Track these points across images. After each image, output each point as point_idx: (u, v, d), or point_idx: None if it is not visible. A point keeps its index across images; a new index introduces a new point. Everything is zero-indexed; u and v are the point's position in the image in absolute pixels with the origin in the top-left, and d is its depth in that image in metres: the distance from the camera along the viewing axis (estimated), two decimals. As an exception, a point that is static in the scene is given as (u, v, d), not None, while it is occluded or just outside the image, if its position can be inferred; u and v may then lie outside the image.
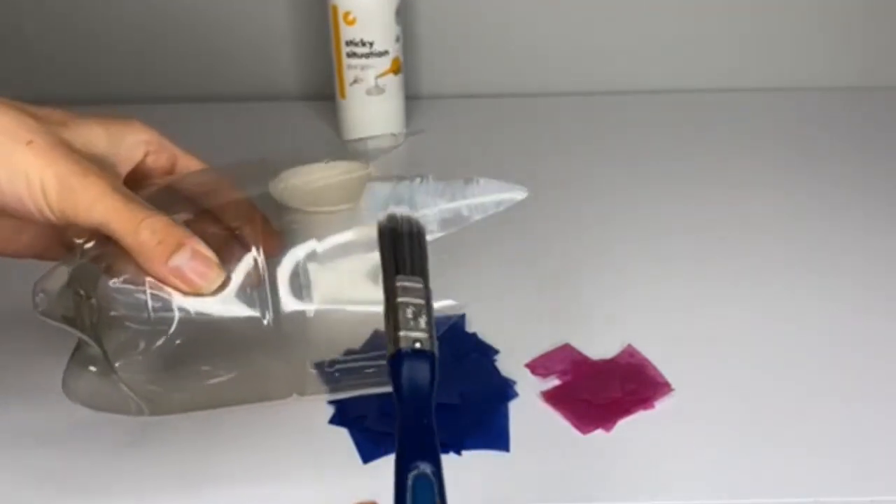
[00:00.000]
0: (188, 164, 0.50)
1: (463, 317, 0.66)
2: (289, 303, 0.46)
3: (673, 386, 0.60)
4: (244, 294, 0.43)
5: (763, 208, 0.82)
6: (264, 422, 0.58)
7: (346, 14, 0.88)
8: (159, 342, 0.44)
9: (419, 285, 0.45)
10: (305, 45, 0.98)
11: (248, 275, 0.44)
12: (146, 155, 0.46)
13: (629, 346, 0.63)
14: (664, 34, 1.02)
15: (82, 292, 0.43)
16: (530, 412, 0.59)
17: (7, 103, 0.41)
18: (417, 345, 0.43)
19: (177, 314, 0.42)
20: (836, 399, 0.59)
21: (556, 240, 0.76)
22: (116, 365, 0.45)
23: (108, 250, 0.42)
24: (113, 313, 0.43)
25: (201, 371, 0.48)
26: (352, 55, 0.89)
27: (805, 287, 0.71)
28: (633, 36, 1.02)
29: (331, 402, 0.59)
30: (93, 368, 0.46)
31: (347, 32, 0.89)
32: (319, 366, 0.51)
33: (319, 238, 0.48)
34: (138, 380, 0.46)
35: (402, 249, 0.46)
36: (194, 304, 0.43)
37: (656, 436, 0.57)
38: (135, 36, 1.01)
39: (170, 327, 0.43)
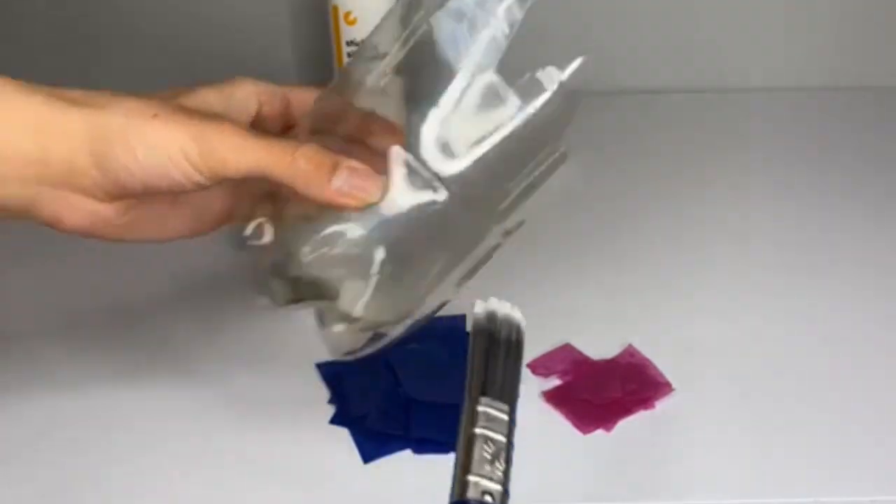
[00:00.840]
0: (301, 97, 0.50)
1: (464, 317, 0.66)
2: (447, 166, 0.45)
3: (674, 386, 0.60)
4: (410, 186, 0.44)
5: (764, 209, 0.82)
6: (265, 421, 0.58)
7: (347, 14, 0.88)
8: (374, 269, 0.45)
9: (505, 416, 0.39)
10: (306, 46, 0.98)
11: (402, 168, 0.44)
12: (260, 105, 0.47)
13: (630, 345, 0.63)
14: (667, 35, 1.03)
15: (287, 275, 0.46)
16: (531, 412, 0.58)
17: (121, 92, 0.43)
18: (488, 498, 0.38)
19: (372, 231, 0.44)
20: (837, 399, 0.59)
21: (556, 239, 0.76)
22: (354, 312, 0.47)
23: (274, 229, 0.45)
24: (322, 274, 0.46)
25: (417, 273, 0.48)
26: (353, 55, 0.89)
27: (805, 287, 0.71)
28: (634, 36, 1.02)
29: (331, 402, 0.59)
30: (340, 327, 0.49)
31: (348, 33, 0.88)
32: None
33: (431, 102, 0.47)
34: (374, 314, 0.48)
35: (495, 363, 0.40)
36: (377, 217, 0.44)
37: (657, 436, 0.57)
38: (134, 36, 1.01)
39: (372, 250, 0.44)
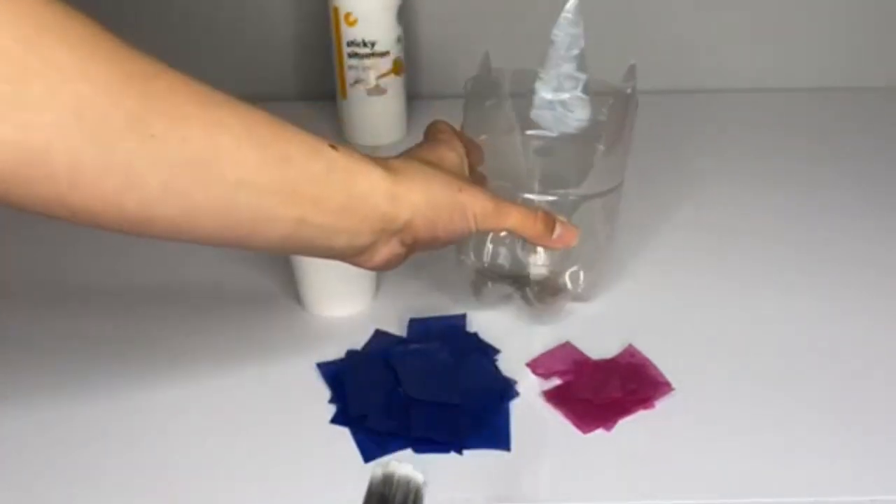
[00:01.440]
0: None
1: (464, 316, 0.67)
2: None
3: (674, 386, 0.60)
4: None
5: (765, 209, 0.82)
6: (266, 421, 0.58)
7: (348, 15, 0.88)
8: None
9: None
10: (307, 46, 0.98)
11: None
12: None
13: (630, 345, 0.63)
14: (665, 35, 1.03)
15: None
16: (531, 411, 0.59)
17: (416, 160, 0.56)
18: None
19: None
20: (837, 399, 0.59)
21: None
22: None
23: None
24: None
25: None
26: (353, 56, 0.89)
27: (806, 288, 0.71)
28: (635, 36, 1.02)
29: (332, 402, 0.59)
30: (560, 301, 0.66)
31: (349, 33, 0.89)
32: None
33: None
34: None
35: None
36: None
37: (657, 435, 0.57)
38: (134, 37, 1.01)
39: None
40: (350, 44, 0.89)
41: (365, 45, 0.89)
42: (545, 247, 0.61)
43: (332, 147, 0.49)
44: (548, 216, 0.59)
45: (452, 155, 0.58)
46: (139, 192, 0.41)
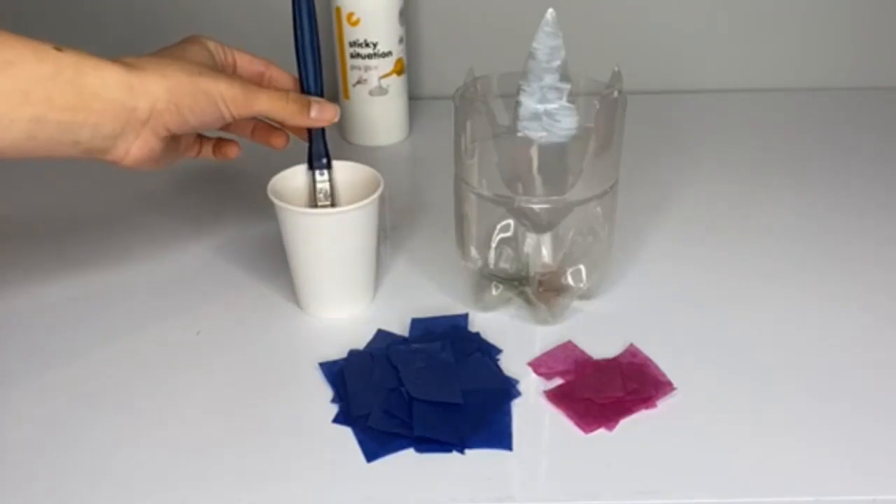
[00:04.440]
0: (275, 73, 0.69)
1: (466, 316, 0.67)
2: None
3: (675, 385, 0.60)
4: None
5: (766, 209, 0.82)
6: (268, 421, 0.58)
7: (350, 15, 0.88)
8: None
9: None
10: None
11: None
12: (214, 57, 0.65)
13: (631, 345, 0.64)
14: (667, 35, 1.03)
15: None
16: (533, 411, 0.59)
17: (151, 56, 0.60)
18: None
19: None
20: (838, 399, 0.60)
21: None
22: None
23: None
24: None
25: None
26: (355, 56, 0.89)
27: (807, 288, 0.71)
28: (635, 36, 1.02)
29: (334, 402, 0.59)
30: (563, 301, 0.67)
31: (351, 33, 0.89)
32: None
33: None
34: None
35: None
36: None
37: (658, 435, 0.57)
38: (135, 37, 1.01)
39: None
40: (352, 44, 0.89)
41: (367, 45, 0.89)
42: (305, 126, 0.65)
43: (58, 49, 0.53)
44: (300, 97, 0.64)
45: (197, 48, 0.63)
46: None
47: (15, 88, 0.51)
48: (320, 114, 0.64)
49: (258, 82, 0.66)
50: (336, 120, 0.65)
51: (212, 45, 0.64)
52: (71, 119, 0.53)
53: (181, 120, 0.57)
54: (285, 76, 0.68)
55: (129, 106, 0.55)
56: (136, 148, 0.57)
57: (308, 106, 0.64)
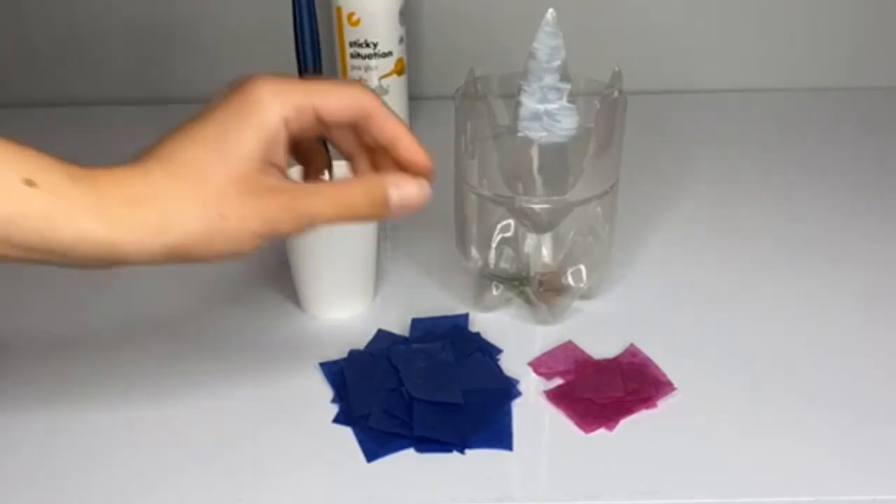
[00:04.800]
0: (326, 103, 0.49)
1: (466, 316, 0.67)
2: None
3: (675, 385, 0.60)
4: None
5: (766, 208, 0.82)
6: (269, 421, 0.58)
7: (350, 15, 0.88)
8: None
9: None
10: (309, 46, 0.98)
11: None
12: (289, 126, 0.47)
13: (632, 345, 0.64)
14: (668, 36, 1.03)
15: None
16: (533, 411, 0.59)
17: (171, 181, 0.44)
18: None
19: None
20: (838, 399, 0.60)
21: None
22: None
23: None
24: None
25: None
26: (355, 56, 0.89)
27: (808, 288, 0.71)
28: (635, 36, 1.02)
29: (334, 402, 0.59)
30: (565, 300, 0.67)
31: (351, 33, 0.89)
32: None
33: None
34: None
35: None
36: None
37: (659, 435, 0.57)
38: (135, 37, 1.02)
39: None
40: (352, 44, 0.89)
41: (367, 45, 0.89)
42: (391, 219, 0.50)
43: (29, 183, 0.41)
44: (369, 192, 0.48)
45: (247, 132, 0.45)
46: None
47: None
48: (402, 202, 0.49)
49: (358, 131, 0.50)
50: (424, 202, 0.50)
51: (274, 111, 0.46)
52: (39, 259, 0.43)
53: (190, 262, 0.46)
54: (393, 126, 0.50)
55: (114, 262, 0.44)
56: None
57: (384, 201, 0.48)
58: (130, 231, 0.43)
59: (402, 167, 0.50)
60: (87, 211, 0.42)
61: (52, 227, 0.42)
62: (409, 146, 0.50)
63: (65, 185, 0.42)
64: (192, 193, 0.44)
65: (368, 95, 0.49)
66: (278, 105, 0.46)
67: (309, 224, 0.47)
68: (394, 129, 0.49)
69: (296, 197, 0.46)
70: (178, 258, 0.45)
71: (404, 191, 0.49)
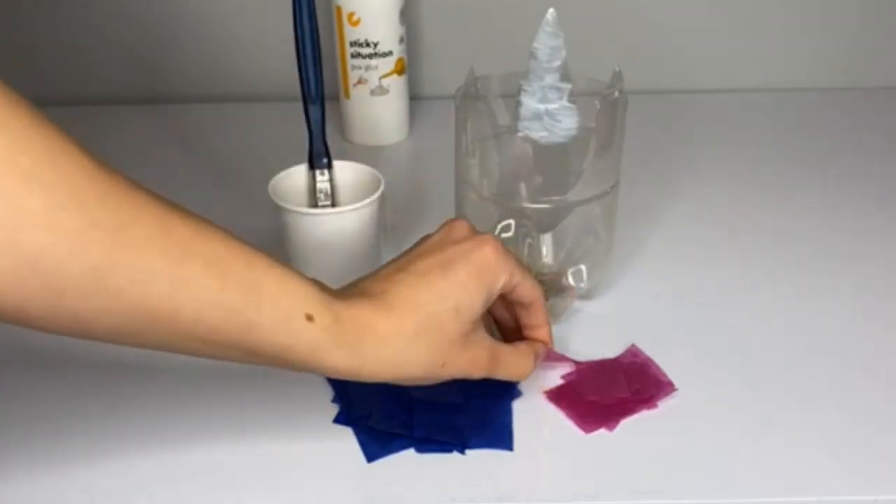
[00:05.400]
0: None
1: (466, 316, 0.67)
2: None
3: (676, 386, 0.60)
4: None
5: (766, 209, 0.82)
6: (268, 421, 0.58)
7: (351, 15, 0.88)
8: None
9: None
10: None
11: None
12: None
13: (633, 345, 0.64)
14: (670, 35, 1.03)
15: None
16: (534, 411, 0.59)
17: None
18: None
19: None
20: (839, 399, 0.60)
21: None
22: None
23: None
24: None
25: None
26: (356, 56, 0.89)
27: (808, 287, 0.71)
28: (637, 37, 1.02)
29: (334, 402, 0.59)
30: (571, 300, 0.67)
31: (352, 33, 0.89)
32: None
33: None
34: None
35: None
36: None
37: (659, 435, 0.57)
38: (136, 37, 1.02)
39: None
40: (353, 44, 0.89)
41: (368, 45, 0.89)
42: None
43: (309, 318, 0.46)
44: (537, 357, 0.57)
45: (472, 291, 0.52)
46: (82, 331, 0.41)
47: (244, 346, 0.46)
48: (540, 360, 0.59)
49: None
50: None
51: (501, 280, 0.53)
52: (280, 366, 0.48)
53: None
54: (541, 315, 0.58)
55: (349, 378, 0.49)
56: None
57: (532, 369, 0.57)
58: (373, 366, 0.48)
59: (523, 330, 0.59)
60: (344, 349, 0.47)
61: (315, 359, 0.47)
62: (544, 335, 0.59)
63: (333, 325, 0.47)
64: (427, 344, 0.50)
65: (539, 288, 0.57)
66: (505, 274, 0.53)
67: (491, 375, 0.54)
68: (540, 318, 0.59)
69: (492, 360, 0.54)
70: (398, 383, 0.51)
71: (541, 354, 0.59)
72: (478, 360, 0.53)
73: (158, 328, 0.43)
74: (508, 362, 0.55)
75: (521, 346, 0.57)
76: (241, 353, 0.46)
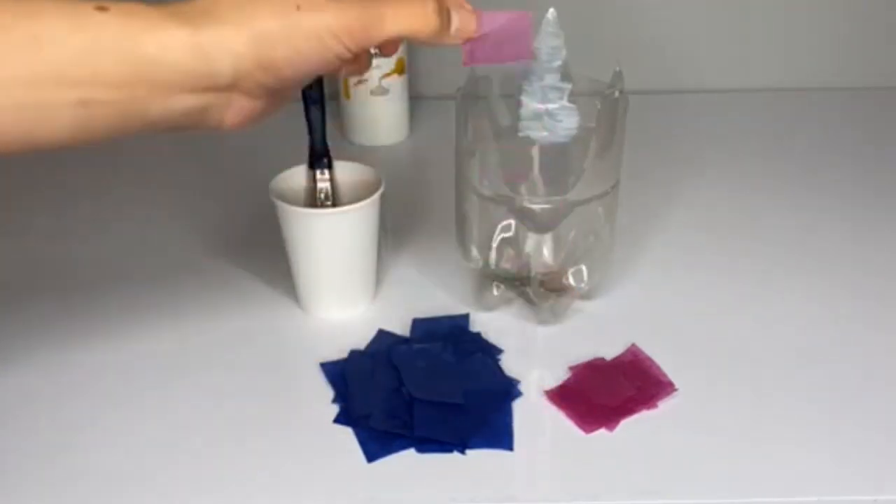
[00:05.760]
0: None
1: (467, 316, 0.67)
2: None
3: (677, 386, 0.60)
4: None
5: (766, 209, 0.82)
6: (269, 421, 0.58)
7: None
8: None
9: None
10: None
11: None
12: None
13: (633, 345, 0.64)
14: (667, 35, 1.03)
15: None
16: (534, 411, 0.59)
17: None
18: None
19: None
20: (840, 398, 0.60)
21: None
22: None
23: None
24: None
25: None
26: (356, 56, 0.89)
27: (808, 287, 0.71)
28: (637, 37, 1.02)
29: (335, 402, 0.59)
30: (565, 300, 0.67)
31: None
32: None
33: None
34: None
35: None
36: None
37: (659, 435, 0.57)
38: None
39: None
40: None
41: (368, 45, 0.89)
42: (444, 45, 0.50)
43: (101, 9, 0.41)
44: (438, 2, 0.48)
45: None
46: None
47: (48, 70, 0.40)
48: (463, 26, 0.50)
49: None
50: (475, 33, 0.51)
51: None
52: (129, 97, 0.42)
53: (278, 76, 0.45)
54: None
55: (204, 72, 0.43)
56: (229, 117, 0.46)
57: (448, 19, 0.49)
58: (212, 29, 0.42)
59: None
60: (164, 20, 0.42)
61: (133, 42, 0.41)
62: None
63: (137, 7, 0.42)
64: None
65: None
66: None
67: (379, 32, 0.46)
68: None
69: (364, 2, 0.46)
70: (266, 61, 0.44)
71: (464, 18, 0.50)
72: (339, 5, 0.45)
73: None
74: (398, 5, 0.47)
75: None
76: (52, 87, 0.40)
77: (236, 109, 0.46)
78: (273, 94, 0.46)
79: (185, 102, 0.43)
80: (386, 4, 0.47)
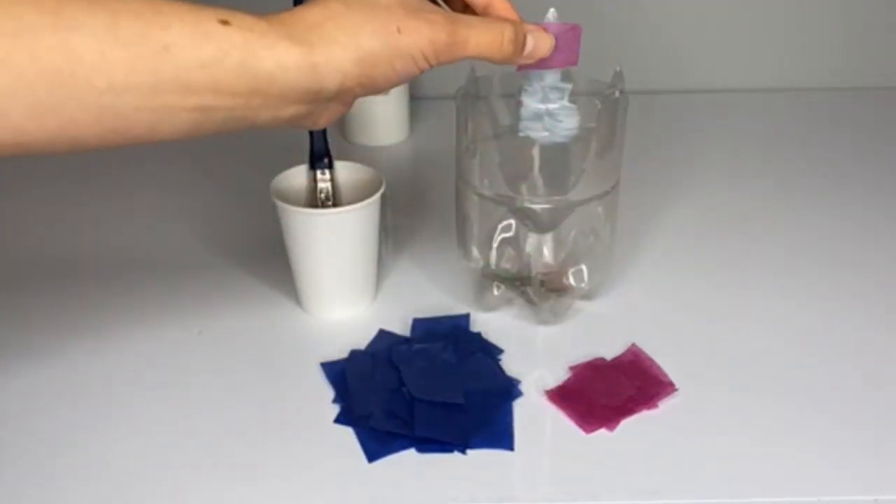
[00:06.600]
0: None
1: (467, 316, 0.67)
2: None
3: (677, 386, 0.60)
4: None
5: (766, 209, 0.82)
6: (270, 420, 0.58)
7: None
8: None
9: None
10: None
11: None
12: None
13: (633, 345, 0.64)
14: (667, 35, 1.03)
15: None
16: (534, 411, 0.59)
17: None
18: None
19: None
20: (840, 399, 0.60)
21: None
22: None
23: None
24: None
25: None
26: (356, 56, 0.89)
27: (808, 287, 0.71)
28: (637, 37, 1.02)
29: (335, 402, 0.59)
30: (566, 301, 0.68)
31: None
32: None
33: None
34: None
35: None
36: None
37: (659, 435, 0.57)
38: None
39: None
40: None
41: (368, 45, 0.89)
42: (516, 64, 0.55)
43: (224, 23, 0.44)
44: (515, 30, 0.52)
45: None
46: (4, 121, 0.40)
47: (173, 78, 0.43)
48: (534, 50, 0.54)
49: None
50: (549, 54, 0.55)
51: None
52: (244, 105, 0.45)
53: (373, 89, 0.49)
54: (506, 3, 0.55)
55: (314, 89, 0.46)
56: (323, 119, 0.50)
57: (524, 43, 0.53)
58: (323, 49, 0.46)
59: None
60: (281, 39, 0.45)
61: (255, 58, 0.44)
62: (502, 7, 0.54)
63: (256, 23, 0.45)
64: (368, 14, 0.48)
65: None
66: None
67: (461, 53, 0.50)
68: (508, 8, 0.54)
69: (455, 22, 0.50)
70: (367, 79, 0.48)
71: (540, 41, 0.54)
72: (436, 22, 0.49)
73: (64, 91, 0.40)
74: (475, 26, 0.51)
75: (496, 18, 0.53)
76: (175, 93, 0.43)
77: (331, 113, 0.50)
78: (357, 97, 0.51)
79: (292, 111, 0.47)
80: (470, 27, 0.51)
